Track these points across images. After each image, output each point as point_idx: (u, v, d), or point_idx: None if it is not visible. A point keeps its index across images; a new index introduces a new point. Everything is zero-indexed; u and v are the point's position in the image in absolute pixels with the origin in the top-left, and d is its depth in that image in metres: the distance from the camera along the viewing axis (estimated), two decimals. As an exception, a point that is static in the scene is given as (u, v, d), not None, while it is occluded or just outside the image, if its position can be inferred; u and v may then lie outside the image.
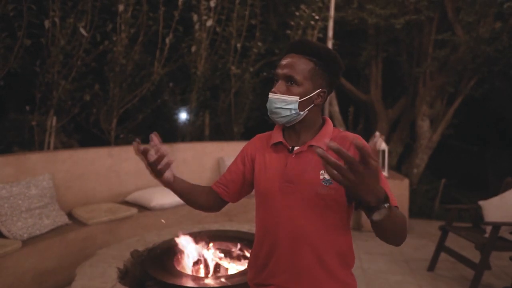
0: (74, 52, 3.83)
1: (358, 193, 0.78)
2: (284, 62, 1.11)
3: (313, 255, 1.07)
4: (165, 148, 1.06)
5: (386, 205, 0.81)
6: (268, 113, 1.13)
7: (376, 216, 0.82)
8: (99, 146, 3.93)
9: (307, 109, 1.10)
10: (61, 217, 3.07)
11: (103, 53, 4.14)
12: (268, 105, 1.11)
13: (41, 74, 3.70)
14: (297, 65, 1.08)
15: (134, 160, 3.97)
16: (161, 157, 1.05)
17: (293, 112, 1.09)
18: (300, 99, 1.08)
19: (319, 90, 1.10)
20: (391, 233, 0.93)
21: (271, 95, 1.10)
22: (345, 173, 0.72)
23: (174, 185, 1.16)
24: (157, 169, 1.06)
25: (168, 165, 1.08)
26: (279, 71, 1.10)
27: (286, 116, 1.09)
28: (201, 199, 1.26)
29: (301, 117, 1.11)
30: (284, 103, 1.08)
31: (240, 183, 1.26)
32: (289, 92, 1.08)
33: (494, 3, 4.64)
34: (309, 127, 1.14)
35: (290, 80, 1.08)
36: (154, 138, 1.06)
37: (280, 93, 1.09)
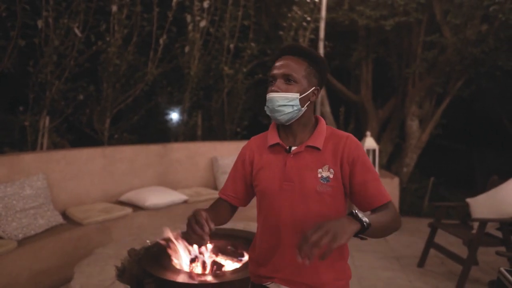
0: (68, 52, 3.82)
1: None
2: (279, 63, 1.16)
3: None
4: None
5: (360, 236, 0.95)
6: (268, 112, 1.16)
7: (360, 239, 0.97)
8: (93, 146, 3.93)
9: (305, 105, 1.16)
10: (56, 217, 3.07)
11: (97, 53, 4.14)
12: (269, 104, 1.15)
13: (34, 74, 3.69)
14: (293, 64, 1.14)
15: (128, 160, 3.98)
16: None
17: (295, 108, 1.14)
18: (300, 96, 1.14)
19: (313, 88, 1.17)
20: (380, 236, 1.06)
21: (272, 94, 1.14)
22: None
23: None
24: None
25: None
26: (276, 71, 1.15)
27: (289, 113, 1.14)
28: (224, 217, 1.30)
29: (301, 114, 1.17)
30: (287, 100, 1.12)
31: (245, 187, 1.30)
32: (288, 90, 1.13)
33: (481, 6, 4.76)
34: (305, 125, 1.20)
35: (288, 79, 1.14)
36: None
37: (281, 91, 1.13)
